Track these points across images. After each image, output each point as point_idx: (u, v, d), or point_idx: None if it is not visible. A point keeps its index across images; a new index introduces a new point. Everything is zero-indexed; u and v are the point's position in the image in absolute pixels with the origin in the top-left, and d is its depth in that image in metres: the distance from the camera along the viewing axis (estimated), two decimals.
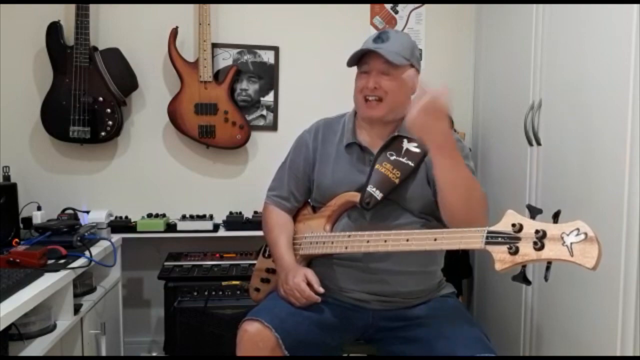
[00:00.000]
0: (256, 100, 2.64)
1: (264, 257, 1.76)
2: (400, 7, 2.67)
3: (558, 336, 1.75)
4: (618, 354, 1.41)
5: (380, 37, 1.52)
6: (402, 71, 1.51)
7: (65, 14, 2.45)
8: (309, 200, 1.71)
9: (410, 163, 1.51)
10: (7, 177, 2.20)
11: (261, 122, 2.65)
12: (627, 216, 1.38)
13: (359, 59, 1.54)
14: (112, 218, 2.39)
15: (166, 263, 2.38)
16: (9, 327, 1.44)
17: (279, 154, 1.77)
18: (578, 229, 1.07)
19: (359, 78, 1.56)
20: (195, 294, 2.23)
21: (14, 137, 2.50)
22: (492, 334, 1.56)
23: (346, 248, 1.47)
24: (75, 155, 2.55)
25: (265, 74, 2.63)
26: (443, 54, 2.69)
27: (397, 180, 1.50)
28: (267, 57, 2.62)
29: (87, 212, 2.27)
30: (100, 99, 2.40)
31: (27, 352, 1.56)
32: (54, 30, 2.39)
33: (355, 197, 1.53)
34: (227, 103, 2.50)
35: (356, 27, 2.62)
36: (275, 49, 2.62)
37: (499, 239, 1.16)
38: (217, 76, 2.55)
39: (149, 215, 2.51)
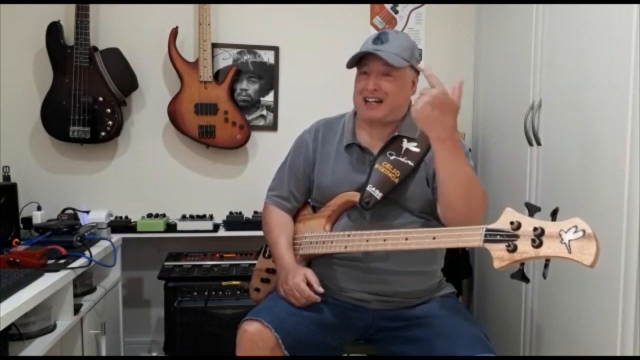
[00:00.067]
0: (256, 100, 2.64)
1: (264, 257, 1.76)
2: (400, 7, 2.67)
3: (558, 336, 1.75)
4: (618, 354, 1.41)
5: (379, 38, 1.52)
6: (402, 72, 1.52)
7: (65, 14, 2.45)
8: (309, 200, 1.71)
9: (410, 163, 1.51)
10: (7, 177, 2.20)
11: (261, 122, 2.65)
12: (627, 216, 1.38)
13: (359, 60, 1.54)
14: (112, 218, 2.39)
15: (166, 263, 2.38)
16: (9, 327, 1.44)
17: (279, 154, 1.77)
18: (576, 226, 1.07)
19: (359, 79, 1.56)
20: (195, 294, 2.23)
21: (14, 137, 2.50)
22: (492, 334, 1.57)
23: (345, 247, 1.47)
24: (75, 155, 2.55)
25: (265, 74, 2.63)
26: (443, 54, 2.69)
27: (396, 180, 1.50)
28: (267, 57, 2.62)
29: (87, 212, 2.27)
30: (100, 99, 2.41)
31: (27, 352, 1.56)
32: (54, 30, 2.39)
33: (355, 196, 1.53)
34: (227, 103, 2.50)
35: (356, 27, 2.62)
36: (275, 49, 2.62)
37: (498, 237, 1.16)
38: (217, 76, 2.55)
39: (149, 215, 2.51)
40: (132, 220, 2.47)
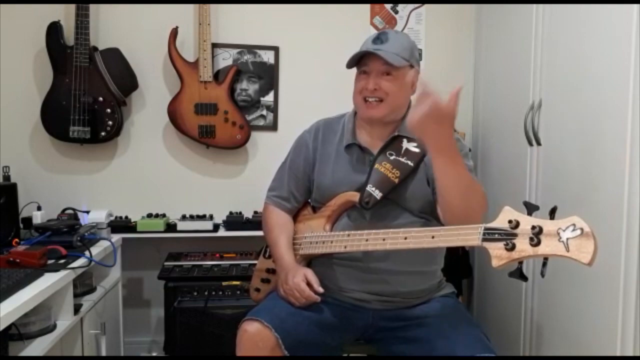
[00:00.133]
0: (256, 100, 2.64)
1: (264, 257, 1.76)
2: (400, 7, 2.67)
3: (558, 336, 1.75)
4: (618, 354, 1.41)
5: (379, 38, 1.52)
6: (402, 72, 1.52)
7: (65, 14, 2.45)
8: (309, 200, 1.71)
9: (409, 163, 1.51)
10: (7, 177, 2.20)
11: (261, 122, 2.65)
12: (627, 216, 1.38)
13: (358, 60, 1.54)
14: (112, 218, 2.39)
15: (166, 263, 2.38)
16: (9, 327, 1.44)
17: (279, 154, 1.77)
18: (574, 225, 1.07)
19: (359, 79, 1.56)
20: (195, 294, 2.23)
21: (14, 137, 2.50)
22: (492, 334, 1.57)
23: (345, 247, 1.47)
24: (75, 155, 2.55)
25: (265, 74, 2.63)
26: (443, 54, 2.70)
27: (396, 180, 1.50)
28: (267, 57, 2.62)
29: (87, 212, 2.27)
30: (100, 99, 2.41)
31: (27, 352, 1.56)
32: (54, 30, 2.39)
33: (355, 196, 1.53)
34: (227, 103, 2.51)
35: (356, 27, 2.62)
36: (275, 49, 2.62)
37: (496, 236, 1.16)
38: (217, 76, 2.55)
39: (149, 215, 2.51)
40: (132, 220, 2.47)
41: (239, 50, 2.60)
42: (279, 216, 1.68)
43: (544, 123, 1.84)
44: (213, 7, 2.50)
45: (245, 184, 2.63)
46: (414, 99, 1.31)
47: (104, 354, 2.01)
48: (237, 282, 2.24)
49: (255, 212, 2.51)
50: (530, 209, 1.15)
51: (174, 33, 2.47)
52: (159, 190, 2.61)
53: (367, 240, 1.41)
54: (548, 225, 1.10)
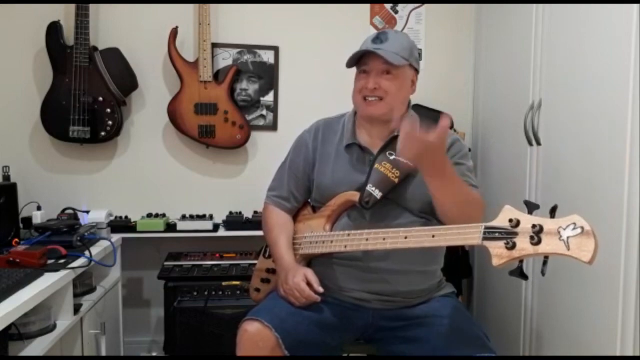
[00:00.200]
0: (256, 100, 2.64)
1: (264, 257, 1.76)
2: (400, 7, 2.67)
3: (558, 336, 1.75)
4: (618, 354, 1.41)
5: (379, 38, 1.52)
6: (402, 71, 1.52)
7: (65, 14, 2.45)
8: (309, 200, 1.71)
9: (409, 163, 1.51)
10: (7, 177, 2.20)
11: (261, 122, 2.65)
12: (627, 216, 1.38)
13: (358, 60, 1.54)
14: (112, 218, 2.39)
15: (166, 263, 2.38)
16: (9, 327, 1.44)
17: (279, 154, 1.77)
18: (575, 224, 1.07)
19: (359, 78, 1.56)
20: (195, 294, 2.23)
21: (14, 137, 2.50)
22: (492, 334, 1.56)
23: (345, 247, 1.47)
24: (75, 155, 2.55)
25: (265, 74, 2.63)
26: (443, 54, 2.70)
27: (396, 180, 1.50)
28: (267, 57, 2.62)
29: (87, 212, 2.27)
30: (100, 99, 2.41)
31: (27, 352, 1.56)
32: (54, 30, 2.39)
33: (355, 196, 1.53)
34: (227, 103, 2.50)
35: (356, 27, 2.62)
36: (275, 49, 2.62)
37: (496, 235, 1.16)
38: (217, 76, 2.55)
39: (149, 215, 2.51)
40: (132, 220, 2.47)
41: (239, 50, 2.60)
42: (279, 216, 1.68)
43: (544, 123, 1.84)
44: (213, 7, 2.50)
45: (245, 184, 2.63)
46: (400, 138, 1.29)
47: (104, 354, 2.01)
48: (237, 282, 2.24)
49: (255, 212, 2.51)
50: (531, 208, 1.15)
51: (174, 33, 2.47)
52: (159, 190, 2.61)
53: (367, 240, 1.41)
54: (549, 224, 1.10)
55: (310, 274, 1.51)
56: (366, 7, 2.66)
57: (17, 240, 1.95)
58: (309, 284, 1.48)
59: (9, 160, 2.31)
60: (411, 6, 2.67)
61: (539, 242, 1.10)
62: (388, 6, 2.66)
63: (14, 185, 2.15)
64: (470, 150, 2.32)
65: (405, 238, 1.34)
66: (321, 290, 1.48)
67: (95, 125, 2.41)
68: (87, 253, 1.87)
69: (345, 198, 1.56)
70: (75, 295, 1.86)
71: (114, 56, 2.45)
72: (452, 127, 2.58)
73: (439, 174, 1.33)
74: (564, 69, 1.71)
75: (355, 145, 1.59)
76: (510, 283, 2.07)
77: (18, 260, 1.68)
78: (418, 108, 1.80)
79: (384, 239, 1.38)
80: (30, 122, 2.50)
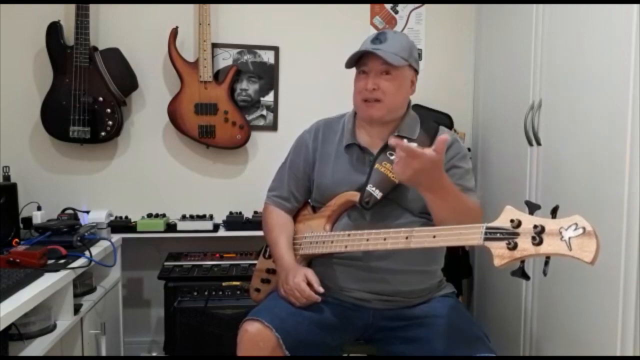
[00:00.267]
0: (256, 100, 2.64)
1: (264, 257, 1.76)
2: (400, 7, 2.67)
3: (558, 336, 1.75)
4: (618, 353, 1.41)
5: (378, 38, 1.52)
6: (401, 71, 1.52)
7: (65, 14, 2.45)
8: (309, 200, 1.71)
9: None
10: (7, 177, 2.20)
11: (261, 122, 2.65)
12: (627, 216, 1.38)
13: (357, 60, 1.54)
14: (112, 218, 2.39)
15: (166, 263, 2.38)
16: (9, 327, 1.44)
17: (279, 154, 1.77)
18: (576, 224, 1.07)
19: (358, 79, 1.56)
20: (195, 294, 2.23)
21: (14, 137, 2.50)
22: (492, 334, 1.56)
23: (346, 247, 1.47)
24: (75, 155, 2.55)
25: (265, 74, 2.63)
26: (443, 54, 2.70)
27: (396, 180, 1.49)
28: (267, 57, 2.62)
29: (87, 212, 2.27)
30: (100, 99, 2.41)
31: (27, 352, 1.56)
32: (54, 30, 2.39)
33: (355, 196, 1.53)
34: (227, 103, 2.50)
35: (356, 27, 2.62)
36: (275, 49, 2.62)
37: (498, 235, 1.16)
38: (217, 76, 2.55)
39: (149, 215, 2.51)
40: (132, 220, 2.47)
41: (239, 50, 2.60)
42: (279, 216, 1.68)
43: (544, 123, 1.84)
44: (213, 7, 2.50)
45: (245, 184, 2.63)
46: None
47: (104, 354, 2.01)
48: (237, 282, 2.24)
49: (255, 212, 2.50)
50: (532, 208, 1.15)
51: (174, 33, 2.47)
52: (159, 190, 2.61)
53: (367, 240, 1.41)
54: (550, 225, 1.10)
55: (310, 274, 1.51)
56: (366, 7, 2.66)
57: (17, 240, 1.95)
58: (309, 284, 1.48)
59: (9, 160, 2.31)
60: (411, 6, 2.67)
61: (540, 243, 1.10)
62: (388, 6, 2.66)
63: (14, 185, 2.15)
64: (469, 150, 2.33)
65: (406, 238, 1.34)
66: (321, 290, 1.48)
67: (95, 125, 2.41)
68: (87, 253, 1.87)
69: (345, 198, 1.56)
70: (75, 295, 1.86)
71: (114, 56, 2.45)
72: (452, 127, 2.58)
73: (436, 187, 1.33)
74: (564, 69, 1.71)
75: (355, 145, 1.59)
76: (510, 283, 2.07)
77: (18, 260, 1.68)
78: (418, 108, 1.80)
79: (385, 239, 1.38)
80: (30, 122, 2.50)
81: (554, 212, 1.12)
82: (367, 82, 1.52)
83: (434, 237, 1.30)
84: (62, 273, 1.69)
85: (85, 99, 2.38)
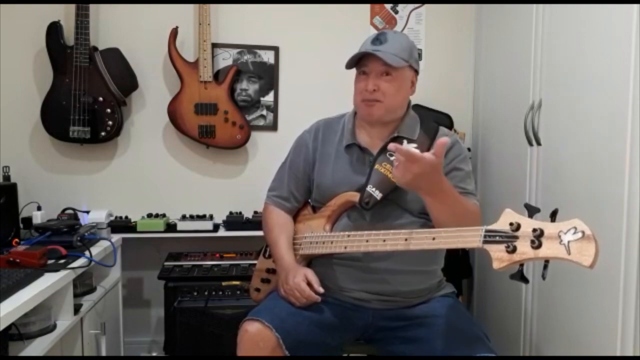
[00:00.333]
0: (256, 100, 2.64)
1: (264, 257, 1.77)
2: (400, 7, 2.67)
3: (558, 336, 1.75)
4: (618, 354, 1.41)
5: (378, 39, 1.52)
6: (401, 72, 1.52)
7: (65, 14, 2.45)
8: (309, 200, 1.71)
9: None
10: (7, 177, 2.20)
11: (261, 122, 2.65)
12: (627, 216, 1.38)
13: (357, 61, 1.54)
14: (112, 218, 2.39)
15: (166, 263, 2.38)
16: (9, 327, 1.44)
17: (279, 154, 1.77)
18: (575, 228, 1.07)
19: (358, 80, 1.56)
20: (195, 294, 2.23)
21: (14, 137, 2.50)
22: (492, 334, 1.56)
23: (345, 248, 1.47)
24: (75, 155, 2.55)
25: (265, 74, 2.63)
26: (443, 54, 2.69)
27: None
28: (267, 57, 2.62)
29: (87, 212, 2.27)
30: (100, 99, 2.41)
31: (27, 352, 1.56)
32: (54, 30, 2.39)
33: (355, 197, 1.53)
34: (227, 103, 2.50)
35: (356, 27, 2.62)
36: (275, 49, 2.62)
37: (497, 238, 1.16)
38: (217, 76, 2.55)
39: (149, 215, 2.51)
40: (132, 220, 2.47)
41: (239, 50, 2.60)
42: (279, 216, 1.68)
43: (544, 123, 1.84)
44: (213, 7, 2.50)
45: (245, 184, 2.63)
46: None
47: (104, 354, 2.01)
48: (237, 282, 2.24)
49: (255, 212, 2.50)
50: (531, 211, 1.15)
51: (174, 33, 2.47)
52: (159, 190, 2.61)
53: (367, 241, 1.41)
54: (549, 228, 1.10)
55: (310, 274, 1.51)
56: (366, 7, 2.66)
57: (17, 240, 1.95)
58: (309, 284, 1.48)
59: (9, 160, 2.31)
60: (411, 6, 2.67)
61: (539, 246, 1.10)
62: (388, 6, 2.66)
63: (14, 185, 2.15)
64: (469, 150, 2.33)
65: (406, 240, 1.34)
66: (321, 290, 1.48)
67: (95, 125, 2.41)
68: (87, 253, 1.87)
69: (345, 198, 1.56)
70: (75, 295, 1.86)
71: (114, 56, 2.45)
72: (452, 127, 2.58)
73: (435, 192, 1.33)
74: (564, 69, 1.71)
75: (354, 146, 1.59)
76: (510, 283, 2.06)
77: (18, 260, 1.68)
78: (418, 108, 1.80)
79: (384, 241, 1.38)
80: (30, 122, 2.50)
81: (553, 216, 1.12)
82: (367, 83, 1.51)
83: (434, 239, 1.30)
84: (62, 273, 1.69)
85: (85, 99, 2.38)
